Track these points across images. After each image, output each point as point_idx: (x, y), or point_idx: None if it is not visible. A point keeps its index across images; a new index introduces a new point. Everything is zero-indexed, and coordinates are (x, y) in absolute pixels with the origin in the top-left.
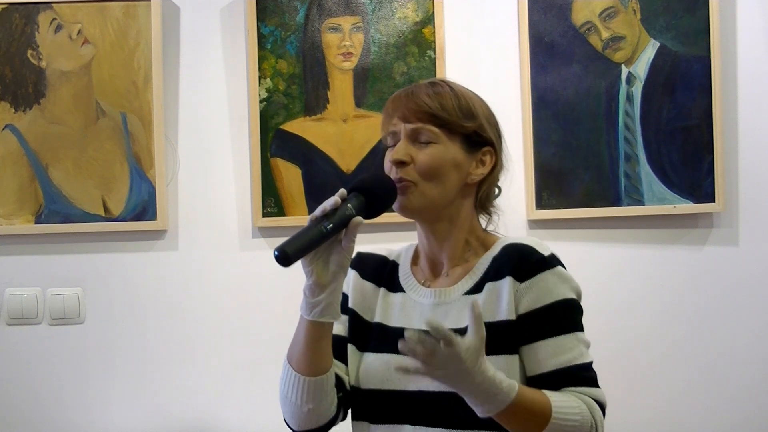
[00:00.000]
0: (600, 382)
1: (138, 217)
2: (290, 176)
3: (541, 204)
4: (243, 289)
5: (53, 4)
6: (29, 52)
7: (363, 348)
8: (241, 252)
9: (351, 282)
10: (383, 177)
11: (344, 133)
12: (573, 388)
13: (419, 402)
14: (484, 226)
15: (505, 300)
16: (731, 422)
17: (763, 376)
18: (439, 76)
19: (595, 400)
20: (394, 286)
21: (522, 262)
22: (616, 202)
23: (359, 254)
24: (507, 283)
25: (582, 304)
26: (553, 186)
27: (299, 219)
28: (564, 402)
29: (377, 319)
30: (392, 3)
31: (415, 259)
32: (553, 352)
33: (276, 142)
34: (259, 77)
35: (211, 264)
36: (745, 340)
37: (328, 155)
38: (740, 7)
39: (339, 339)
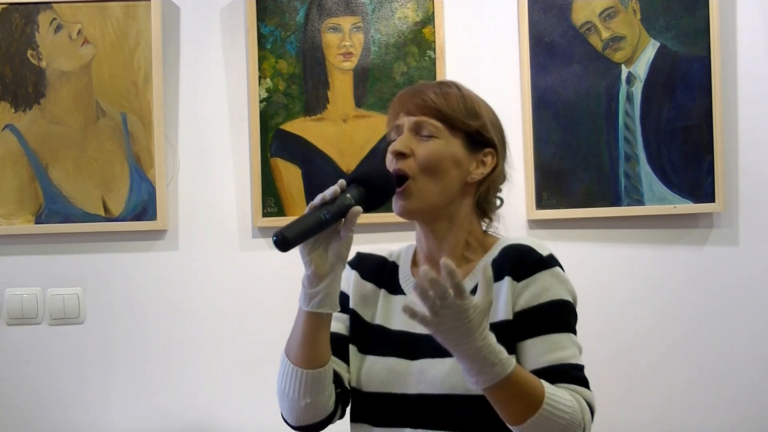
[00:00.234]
0: (600, 382)
1: (138, 217)
2: (290, 176)
3: (541, 204)
4: (243, 289)
5: (53, 4)
6: (29, 52)
7: (364, 349)
8: (241, 252)
9: (352, 282)
10: (383, 170)
11: (344, 133)
12: (565, 385)
13: (419, 405)
14: (484, 229)
15: (503, 300)
16: (731, 422)
17: (763, 376)
18: (439, 76)
19: (585, 402)
20: (395, 289)
21: (520, 262)
22: (616, 202)
23: (359, 254)
24: (505, 283)
25: (582, 304)
26: (553, 186)
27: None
28: (557, 393)
29: (378, 321)
30: (392, 3)
31: (415, 261)
32: (547, 349)
33: (276, 142)
34: (259, 77)
35: (211, 264)
36: (745, 340)
37: (328, 155)
38: (740, 7)
39: (339, 337)
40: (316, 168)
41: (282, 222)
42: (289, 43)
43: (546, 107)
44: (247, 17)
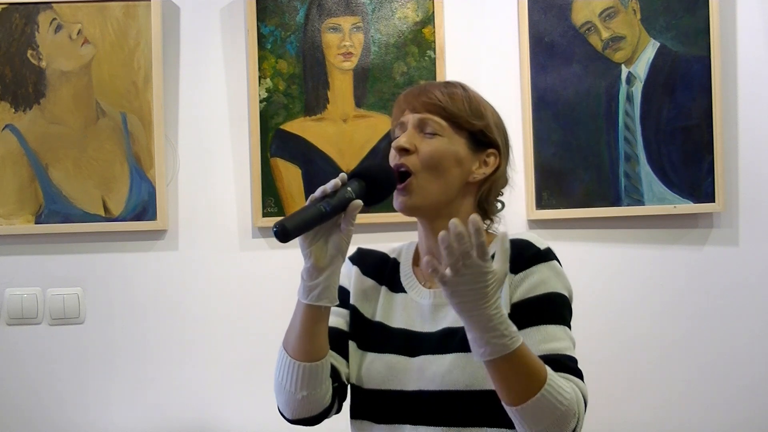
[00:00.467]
0: (600, 382)
1: (138, 217)
2: (290, 176)
3: (541, 204)
4: (243, 289)
5: (53, 4)
6: (29, 52)
7: (364, 346)
8: (241, 252)
9: (353, 278)
10: (385, 165)
11: (344, 133)
12: (561, 374)
13: (419, 402)
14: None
15: (502, 295)
16: (731, 422)
17: (763, 376)
18: (439, 76)
19: (581, 393)
20: (396, 286)
21: (518, 256)
22: (616, 202)
23: (360, 250)
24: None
25: (582, 304)
26: (553, 186)
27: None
28: (559, 380)
29: (378, 318)
30: (392, 3)
31: (416, 259)
32: (541, 339)
33: (276, 142)
34: (259, 77)
35: (211, 264)
36: (745, 340)
37: (328, 155)
38: (740, 7)
39: (338, 332)
40: (316, 168)
41: None
42: (289, 43)
43: (546, 107)
44: (247, 17)
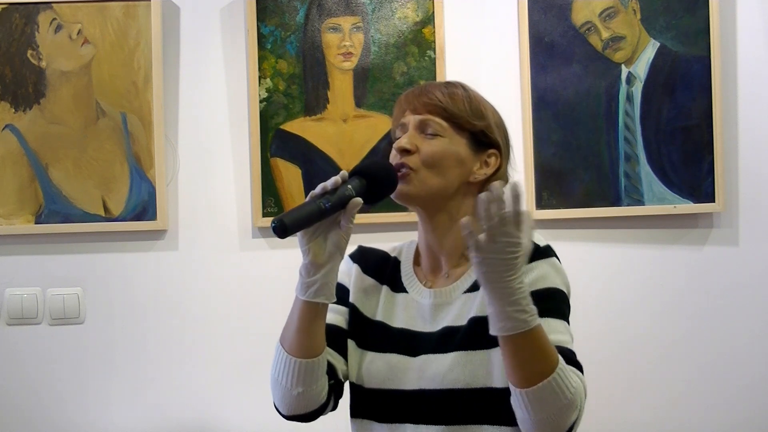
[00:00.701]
0: (600, 382)
1: (138, 217)
2: (290, 176)
3: (541, 204)
4: (243, 289)
5: (53, 4)
6: (29, 52)
7: (364, 345)
8: (241, 252)
9: (353, 276)
10: (386, 163)
11: (344, 133)
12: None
13: (420, 401)
14: None
15: None
16: (731, 422)
17: (763, 376)
18: (439, 76)
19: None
20: (397, 286)
21: None
22: (616, 202)
23: (361, 248)
24: None
25: (582, 304)
26: (553, 186)
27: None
28: (569, 368)
29: (379, 317)
30: (392, 3)
31: (416, 259)
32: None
33: (276, 142)
34: (259, 77)
35: (211, 264)
36: (745, 340)
37: (328, 155)
38: (740, 7)
39: (336, 329)
40: (316, 168)
41: None
42: (289, 43)
43: (546, 107)
44: (247, 17)
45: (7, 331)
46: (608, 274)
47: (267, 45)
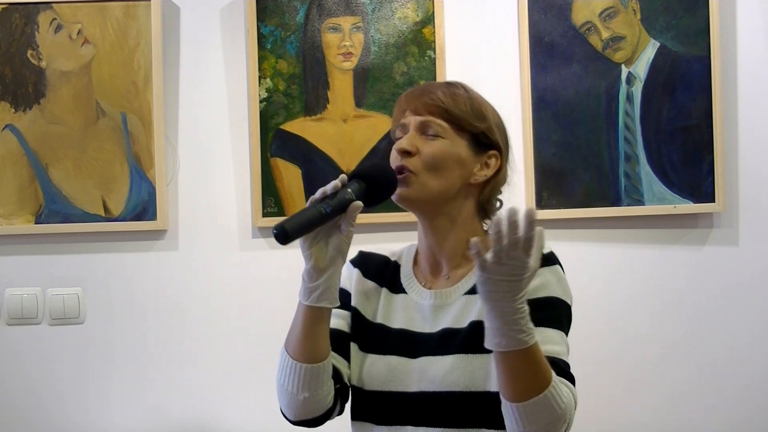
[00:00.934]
0: (600, 382)
1: (138, 217)
2: (290, 176)
3: (541, 204)
4: (243, 289)
5: (53, 4)
6: (29, 52)
7: (365, 348)
8: (241, 252)
9: (354, 280)
10: (385, 166)
11: (344, 133)
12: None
13: (420, 403)
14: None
15: None
16: (731, 422)
17: (763, 376)
18: (439, 76)
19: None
20: (396, 288)
21: None
22: (616, 202)
23: (362, 253)
24: None
25: (582, 304)
26: (553, 186)
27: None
28: (561, 384)
29: (379, 319)
30: (392, 3)
31: (416, 261)
32: (540, 340)
33: (276, 142)
34: (259, 77)
35: (211, 264)
36: (745, 340)
37: (328, 155)
38: (740, 7)
39: (339, 333)
40: (316, 168)
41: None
42: (289, 43)
43: (546, 107)
44: (247, 17)
45: (7, 331)
46: (608, 274)
47: (267, 45)
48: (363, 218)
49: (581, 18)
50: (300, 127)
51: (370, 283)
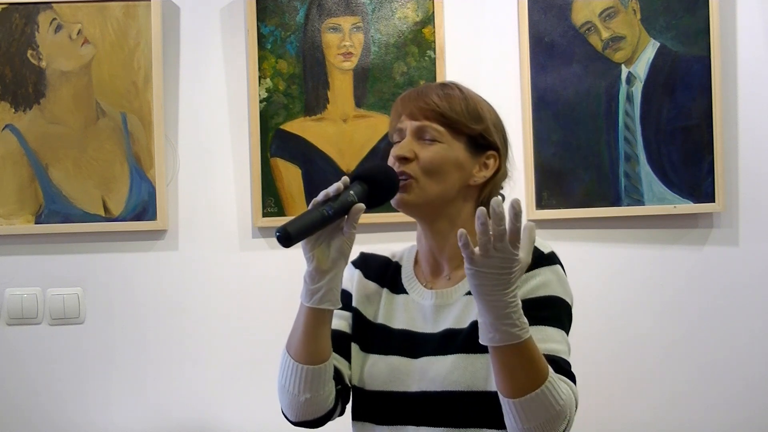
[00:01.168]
0: (600, 382)
1: (138, 217)
2: (290, 176)
3: (541, 204)
4: (243, 289)
5: (53, 4)
6: (29, 52)
7: (366, 348)
8: (241, 252)
9: (355, 281)
10: (386, 167)
11: (344, 133)
12: (558, 376)
13: (421, 403)
14: None
15: None
16: (731, 422)
17: (763, 376)
18: (439, 76)
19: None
20: (397, 288)
21: None
22: (616, 202)
23: (363, 254)
24: None
25: (582, 304)
26: (553, 186)
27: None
28: (558, 381)
29: (380, 320)
30: (392, 3)
31: (417, 261)
32: (539, 339)
33: (276, 142)
34: (259, 77)
35: (211, 264)
36: (745, 340)
37: (328, 155)
38: (740, 7)
39: (340, 334)
40: (316, 168)
41: (282, 221)
42: (289, 43)
43: (546, 107)
44: (247, 17)
45: (7, 331)
46: (608, 274)
47: (267, 45)
48: (363, 218)
49: (581, 18)
50: (300, 127)
51: (372, 284)
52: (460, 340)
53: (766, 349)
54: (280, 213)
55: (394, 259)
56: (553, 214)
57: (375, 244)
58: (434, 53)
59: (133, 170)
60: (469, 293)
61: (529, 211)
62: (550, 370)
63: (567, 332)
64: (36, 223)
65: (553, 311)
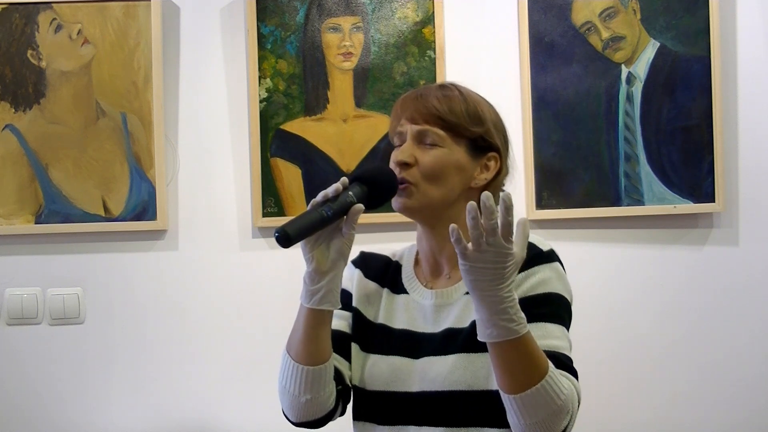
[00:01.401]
0: (600, 382)
1: (138, 217)
2: (290, 176)
3: (541, 204)
4: (243, 289)
5: (53, 4)
6: (29, 52)
7: (367, 348)
8: (241, 252)
9: (355, 281)
10: (386, 168)
11: (344, 133)
12: (560, 371)
13: (422, 403)
14: None
15: None
16: (731, 422)
17: (763, 375)
18: (439, 76)
19: (576, 392)
20: (398, 288)
21: None
22: (616, 202)
23: (363, 254)
24: None
25: (582, 304)
26: (553, 186)
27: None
28: (559, 375)
29: (381, 320)
30: (392, 3)
31: (417, 261)
32: (540, 335)
33: (276, 142)
34: (259, 77)
35: (211, 264)
36: (745, 340)
37: (328, 155)
38: (740, 7)
39: (340, 334)
40: (316, 168)
41: (282, 222)
42: (289, 43)
43: (546, 107)
44: (247, 17)
45: (7, 331)
46: (608, 274)
47: (267, 45)
48: (363, 218)
49: (581, 18)
50: (300, 127)
51: (372, 284)
52: (461, 340)
53: (766, 349)
54: (280, 213)
55: (394, 259)
56: (553, 214)
57: (375, 244)
58: (434, 53)
59: (133, 170)
60: (468, 293)
61: (529, 211)
62: (551, 365)
63: (567, 328)
64: (36, 223)
65: (553, 308)
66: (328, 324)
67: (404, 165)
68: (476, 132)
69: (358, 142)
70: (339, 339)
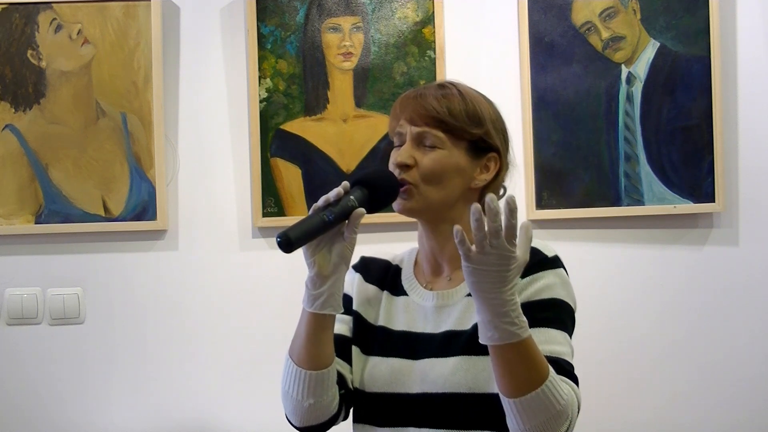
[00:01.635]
0: (600, 382)
1: (138, 217)
2: (290, 176)
3: (541, 204)
4: (243, 289)
5: (53, 4)
6: (29, 52)
7: (367, 351)
8: (241, 252)
9: (355, 285)
10: (387, 172)
11: (344, 133)
12: (560, 376)
13: (423, 404)
14: None
15: None
16: (731, 422)
17: (763, 375)
18: (439, 76)
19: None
20: (397, 290)
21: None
22: (616, 202)
23: (363, 258)
24: None
25: (582, 304)
26: (553, 186)
27: (299, 219)
28: (559, 380)
29: (381, 322)
30: (392, 3)
31: (417, 262)
32: (542, 340)
33: (276, 142)
34: (259, 77)
35: (211, 264)
36: (745, 340)
37: (328, 155)
38: (740, 7)
39: (342, 338)
40: (316, 168)
41: (282, 222)
42: (289, 43)
43: (546, 107)
44: (247, 17)
45: (7, 331)
46: (608, 274)
47: (267, 45)
48: (364, 219)
49: (581, 18)
50: (300, 127)
51: (372, 288)
52: (463, 342)
53: (766, 349)
54: (280, 213)
55: (394, 263)
56: (553, 214)
57: (376, 244)
58: (434, 53)
59: (133, 170)
60: (470, 294)
61: (529, 211)
62: (551, 370)
63: (570, 335)
64: (36, 223)
65: (556, 313)
66: (330, 328)
67: (404, 166)
68: (476, 134)
69: (358, 142)
70: (341, 343)
